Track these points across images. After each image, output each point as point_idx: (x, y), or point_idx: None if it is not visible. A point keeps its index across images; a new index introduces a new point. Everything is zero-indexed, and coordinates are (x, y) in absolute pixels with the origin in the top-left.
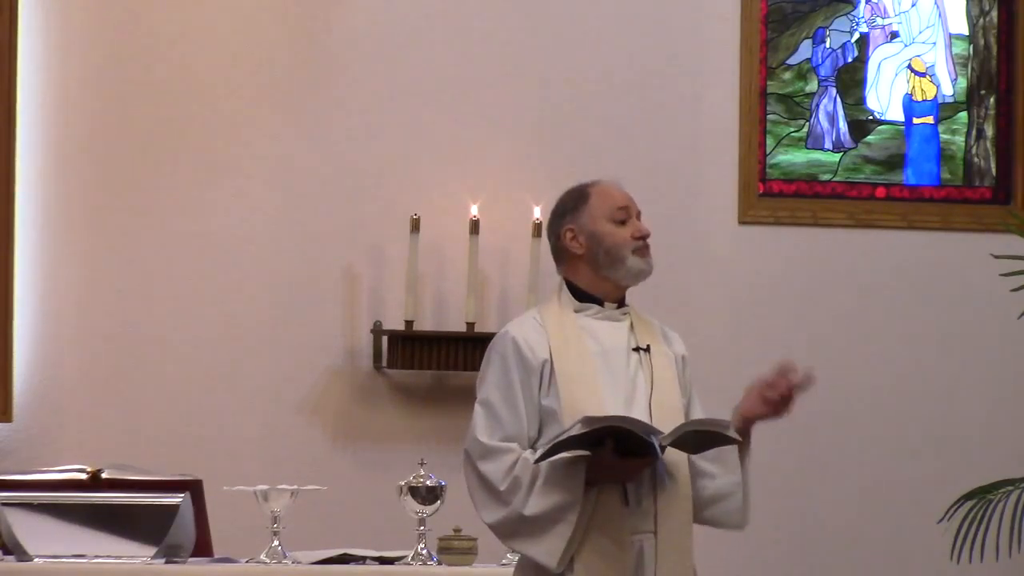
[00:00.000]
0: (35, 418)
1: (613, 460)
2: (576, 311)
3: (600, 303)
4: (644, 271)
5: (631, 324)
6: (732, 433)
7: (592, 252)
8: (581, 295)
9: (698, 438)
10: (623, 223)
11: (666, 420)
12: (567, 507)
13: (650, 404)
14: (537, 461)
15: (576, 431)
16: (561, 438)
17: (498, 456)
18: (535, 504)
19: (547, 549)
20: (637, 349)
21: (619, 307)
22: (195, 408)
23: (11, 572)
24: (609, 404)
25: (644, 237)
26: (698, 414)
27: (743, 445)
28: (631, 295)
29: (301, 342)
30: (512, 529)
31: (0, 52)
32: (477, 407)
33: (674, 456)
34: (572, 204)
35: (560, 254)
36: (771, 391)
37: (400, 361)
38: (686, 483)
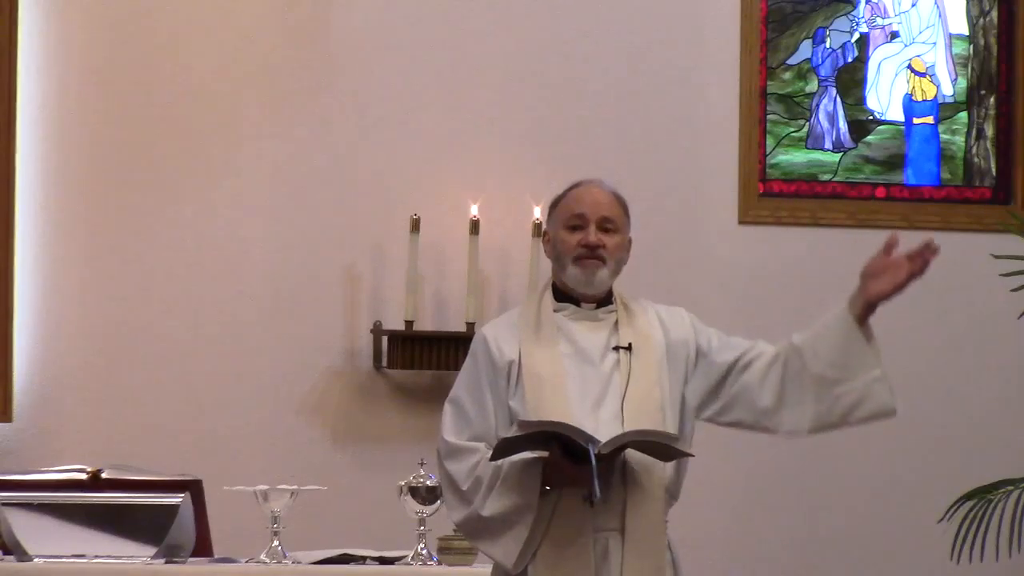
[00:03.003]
0: (35, 418)
1: (562, 463)
2: (555, 311)
3: (576, 303)
4: (581, 281)
5: (616, 322)
6: (682, 446)
7: (553, 256)
8: (561, 295)
9: (656, 446)
10: (576, 230)
11: (641, 420)
12: (522, 509)
13: (623, 405)
14: (492, 459)
15: (512, 434)
16: (501, 439)
17: (463, 456)
18: (492, 505)
19: (504, 550)
20: (618, 348)
21: (599, 306)
22: (195, 408)
23: (11, 572)
24: (575, 407)
25: (588, 247)
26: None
27: (869, 334)
28: (624, 289)
29: (301, 342)
30: (473, 529)
31: (0, 52)
32: (446, 405)
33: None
34: (551, 207)
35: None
36: (906, 266)
37: (400, 361)
38: (659, 481)
